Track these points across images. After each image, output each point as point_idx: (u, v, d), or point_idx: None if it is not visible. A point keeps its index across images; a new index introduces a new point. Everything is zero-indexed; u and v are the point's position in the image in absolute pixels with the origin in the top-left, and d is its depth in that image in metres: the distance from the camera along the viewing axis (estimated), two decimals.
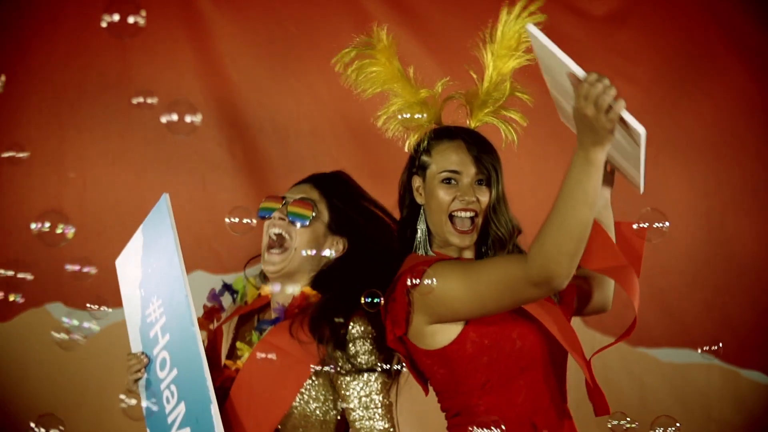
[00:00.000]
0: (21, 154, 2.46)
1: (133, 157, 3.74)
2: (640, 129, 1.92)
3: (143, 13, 2.17)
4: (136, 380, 2.36)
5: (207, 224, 3.64)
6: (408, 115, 2.40)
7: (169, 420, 2.26)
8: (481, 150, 2.33)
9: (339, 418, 2.34)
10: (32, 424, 2.37)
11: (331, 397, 2.33)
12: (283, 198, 2.44)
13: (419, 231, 2.35)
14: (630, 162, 2.11)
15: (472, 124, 2.45)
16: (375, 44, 2.46)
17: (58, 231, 2.31)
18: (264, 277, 2.55)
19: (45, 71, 3.73)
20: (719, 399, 3.74)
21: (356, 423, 2.28)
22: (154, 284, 2.34)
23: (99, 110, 3.74)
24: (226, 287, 2.60)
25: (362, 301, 2.24)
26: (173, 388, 2.26)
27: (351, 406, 2.29)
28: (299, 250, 2.39)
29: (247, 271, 2.61)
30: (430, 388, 2.36)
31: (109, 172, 3.71)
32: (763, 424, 3.74)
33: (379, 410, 2.27)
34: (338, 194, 2.46)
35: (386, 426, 2.27)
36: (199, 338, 2.23)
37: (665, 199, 3.82)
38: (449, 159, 2.31)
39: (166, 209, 2.31)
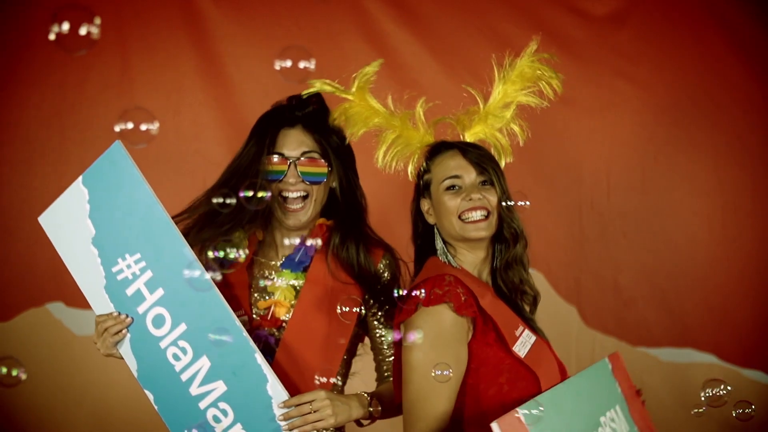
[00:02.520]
0: None
1: (134, 157, 3.73)
2: None
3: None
4: (116, 342, 2.23)
5: None
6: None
7: (184, 377, 2.19)
8: (479, 153, 2.33)
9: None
10: None
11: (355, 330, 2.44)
12: (283, 156, 2.40)
13: (438, 249, 2.33)
14: None
15: (467, 138, 2.44)
16: (349, 87, 2.41)
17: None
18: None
19: (46, 70, 3.74)
20: None
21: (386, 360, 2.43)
22: (121, 239, 2.21)
23: (100, 110, 3.74)
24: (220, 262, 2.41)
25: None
26: (183, 343, 2.18)
27: (387, 335, 2.43)
28: (318, 201, 2.43)
29: None
30: None
31: None
32: (764, 423, 3.74)
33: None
34: (328, 131, 2.43)
35: None
36: (215, 288, 2.16)
37: (666, 199, 3.82)
38: (448, 166, 2.32)
39: (126, 158, 2.21)
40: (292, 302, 2.39)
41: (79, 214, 2.26)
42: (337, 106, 2.42)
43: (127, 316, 2.23)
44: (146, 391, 2.25)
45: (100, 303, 2.26)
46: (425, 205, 2.36)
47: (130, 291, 2.22)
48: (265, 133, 2.42)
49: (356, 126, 2.39)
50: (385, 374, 2.45)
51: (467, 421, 2.18)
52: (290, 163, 2.39)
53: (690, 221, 3.80)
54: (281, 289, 2.39)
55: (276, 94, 3.74)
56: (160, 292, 2.20)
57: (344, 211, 2.47)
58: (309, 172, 2.40)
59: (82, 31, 2.01)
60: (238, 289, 2.40)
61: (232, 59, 3.77)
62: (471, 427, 2.17)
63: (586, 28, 3.84)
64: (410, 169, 2.42)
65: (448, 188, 2.29)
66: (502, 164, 2.44)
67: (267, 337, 2.35)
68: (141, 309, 2.22)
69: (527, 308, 2.39)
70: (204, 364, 2.18)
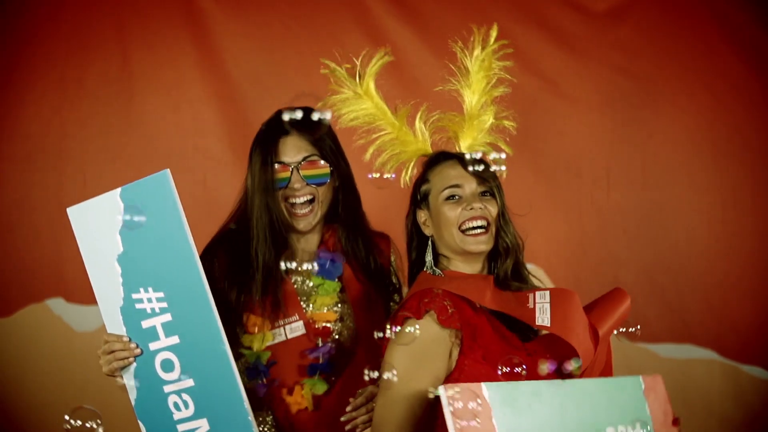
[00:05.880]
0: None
1: (133, 153, 3.74)
2: None
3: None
4: (121, 367, 2.21)
5: (207, 219, 3.63)
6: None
7: (180, 428, 2.17)
8: (479, 164, 2.29)
9: None
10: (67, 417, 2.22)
11: None
12: (284, 163, 2.43)
13: (427, 262, 2.29)
14: None
15: (463, 149, 2.40)
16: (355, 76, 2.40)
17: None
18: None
19: (46, 67, 3.74)
20: (720, 394, 3.74)
21: None
22: (148, 271, 2.13)
23: (99, 106, 3.74)
24: None
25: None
26: (186, 398, 2.14)
27: None
28: (324, 202, 2.46)
29: None
30: None
31: (109, 168, 3.71)
32: (764, 419, 3.74)
33: None
34: (322, 133, 2.45)
35: None
36: (233, 363, 2.11)
37: (666, 196, 3.82)
38: (448, 175, 2.27)
39: (171, 191, 2.14)
40: (335, 308, 2.44)
41: (111, 224, 2.16)
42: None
43: (137, 345, 2.18)
44: (140, 423, 2.22)
45: (113, 321, 2.20)
46: (422, 216, 2.31)
47: (145, 324, 2.16)
48: (264, 146, 2.46)
49: (345, 109, 2.38)
50: None
51: None
52: (292, 168, 2.41)
53: (690, 217, 3.80)
54: (322, 299, 2.43)
55: (276, 91, 3.77)
56: (175, 339, 2.14)
57: (344, 211, 2.51)
58: (312, 174, 2.43)
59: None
60: (288, 297, 2.42)
61: (232, 55, 3.77)
62: None
63: (585, 24, 3.83)
64: (404, 176, 2.37)
65: (448, 198, 2.24)
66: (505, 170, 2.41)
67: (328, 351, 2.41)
68: (153, 347, 2.16)
69: None
70: (203, 425, 2.15)
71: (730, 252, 3.78)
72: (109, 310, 2.20)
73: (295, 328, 2.40)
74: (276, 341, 2.40)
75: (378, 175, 2.33)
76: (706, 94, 3.81)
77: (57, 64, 3.76)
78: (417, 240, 2.34)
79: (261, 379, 2.40)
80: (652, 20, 3.84)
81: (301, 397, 2.39)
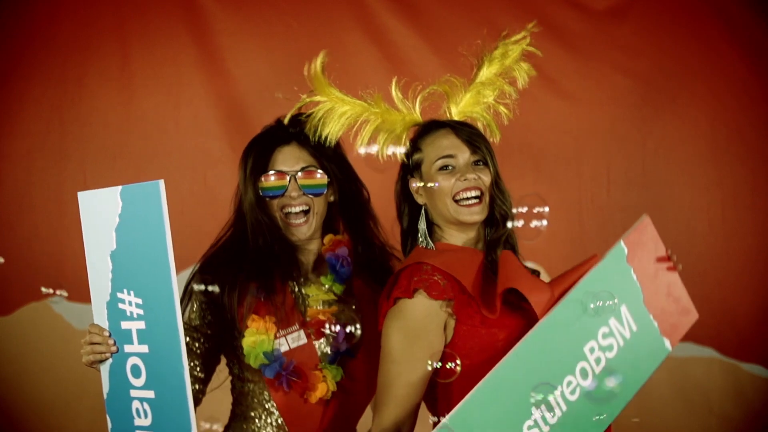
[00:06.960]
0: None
1: (134, 152, 3.75)
2: None
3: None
4: (100, 361, 2.22)
5: (208, 218, 3.63)
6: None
7: None
8: (471, 132, 2.28)
9: None
10: None
11: None
12: (281, 172, 2.40)
13: (420, 230, 2.29)
14: None
15: (454, 115, 2.39)
16: (314, 88, 2.39)
17: None
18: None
19: (46, 66, 3.75)
20: (720, 393, 3.75)
21: None
22: (132, 274, 2.14)
23: (100, 105, 3.75)
24: None
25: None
26: (147, 408, 2.17)
27: None
28: (319, 214, 2.44)
29: None
30: None
31: (109, 167, 3.72)
32: (764, 417, 3.75)
33: None
34: (322, 144, 2.42)
35: None
36: (189, 391, 2.10)
37: (665, 193, 3.82)
38: (441, 145, 2.26)
39: (160, 204, 2.08)
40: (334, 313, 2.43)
41: (110, 219, 2.18)
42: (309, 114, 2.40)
43: (115, 343, 2.20)
44: (108, 417, 2.24)
45: (99, 313, 2.22)
46: (414, 184, 2.31)
47: (124, 325, 2.18)
48: (260, 154, 2.43)
49: (331, 125, 2.36)
50: None
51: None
52: (290, 177, 2.40)
53: (690, 216, 3.81)
54: (316, 299, 2.42)
55: (275, 89, 3.75)
56: (145, 348, 2.16)
57: (356, 219, 2.50)
58: (309, 184, 2.41)
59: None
60: (287, 306, 2.40)
61: (232, 54, 3.78)
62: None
63: (586, 23, 3.84)
64: (400, 152, 2.35)
65: (442, 168, 2.24)
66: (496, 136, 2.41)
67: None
68: (127, 349, 2.19)
69: None
70: None
71: (729, 250, 3.78)
72: (98, 302, 2.23)
73: (296, 338, 2.37)
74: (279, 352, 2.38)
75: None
76: (706, 93, 3.81)
77: (57, 63, 3.76)
78: (408, 207, 2.33)
79: (281, 371, 2.35)
80: (652, 19, 3.85)
81: (324, 383, 2.36)
